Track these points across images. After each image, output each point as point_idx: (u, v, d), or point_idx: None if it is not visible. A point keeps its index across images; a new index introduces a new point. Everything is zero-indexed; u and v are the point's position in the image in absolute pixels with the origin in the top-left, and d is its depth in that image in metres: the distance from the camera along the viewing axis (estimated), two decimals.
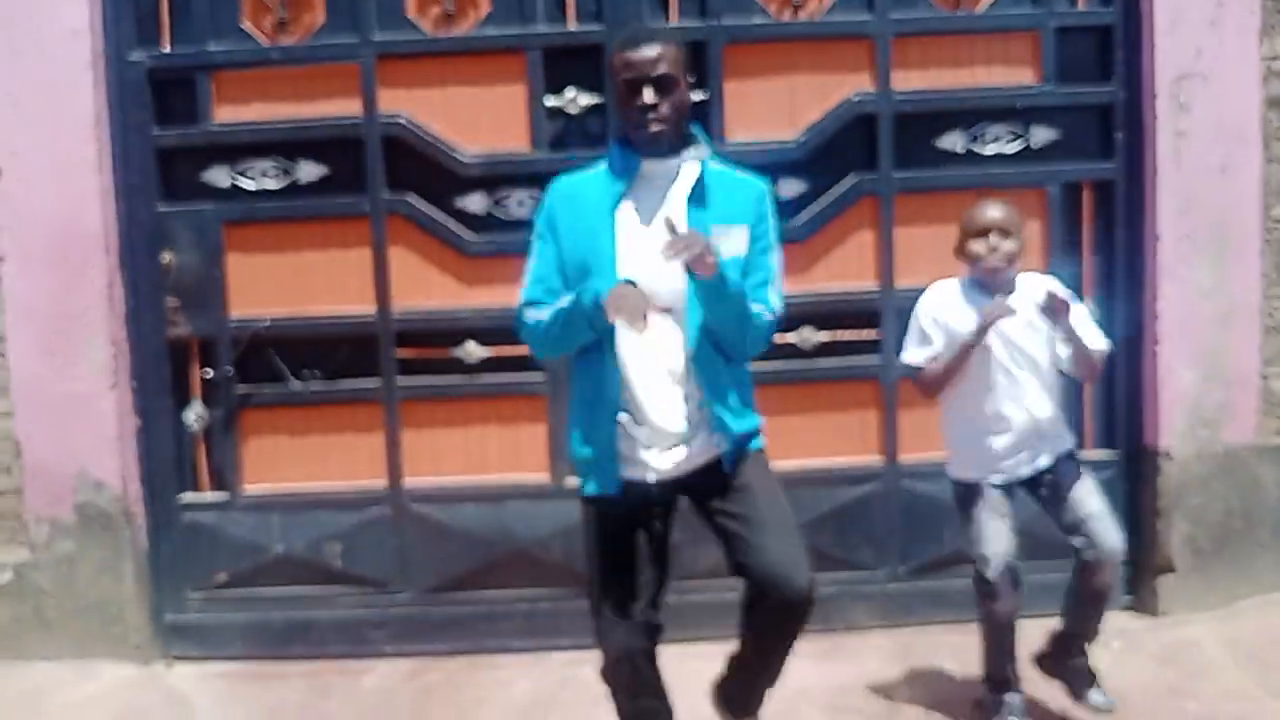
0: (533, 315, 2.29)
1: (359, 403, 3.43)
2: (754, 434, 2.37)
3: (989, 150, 3.39)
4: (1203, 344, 3.32)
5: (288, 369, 3.42)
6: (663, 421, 2.26)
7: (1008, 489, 2.72)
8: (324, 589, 3.45)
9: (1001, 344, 2.66)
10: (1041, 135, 3.39)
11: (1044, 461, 2.71)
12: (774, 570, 2.26)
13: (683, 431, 2.27)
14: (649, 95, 2.18)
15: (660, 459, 2.28)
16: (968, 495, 2.73)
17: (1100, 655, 3.11)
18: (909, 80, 3.36)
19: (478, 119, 3.34)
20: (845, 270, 3.43)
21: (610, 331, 2.20)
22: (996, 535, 2.69)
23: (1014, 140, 3.39)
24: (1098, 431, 3.48)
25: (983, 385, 2.68)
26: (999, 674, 2.78)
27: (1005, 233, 2.66)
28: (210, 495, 3.47)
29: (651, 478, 2.28)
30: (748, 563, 2.28)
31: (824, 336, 3.42)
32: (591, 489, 2.32)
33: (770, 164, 3.32)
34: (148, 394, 3.39)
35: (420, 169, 3.35)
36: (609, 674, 2.37)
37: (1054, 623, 2.83)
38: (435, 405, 3.44)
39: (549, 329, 2.25)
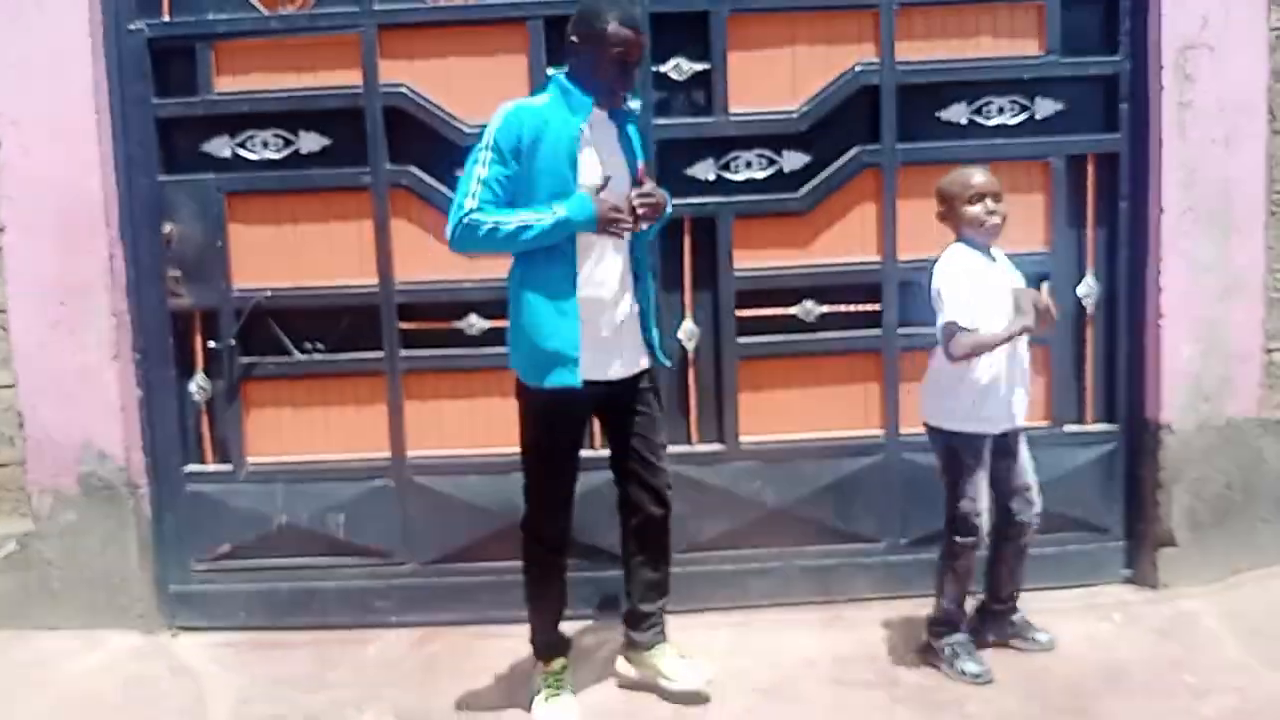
0: (486, 220, 2.56)
1: (362, 374, 3.43)
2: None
3: (992, 122, 3.37)
4: (1205, 318, 3.32)
5: (290, 341, 3.42)
6: (613, 329, 2.70)
7: (995, 440, 2.92)
8: (328, 559, 3.47)
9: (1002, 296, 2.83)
10: (1046, 107, 3.37)
11: (1019, 421, 2.91)
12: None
13: (627, 338, 2.75)
14: (631, 76, 2.64)
15: (612, 361, 2.72)
16: (966, 448, 2.88)
17: (1101, 628, 3.16)
18: (913, 51, 3.34)
19: (479, 89, 3.32)
20: (847, 243, 3.42)
21: (573, 239, 2.61)
22: (984, 489, 2.89)
23: (1018, 112, 3.37)
24: (1099, 405, 3.49)
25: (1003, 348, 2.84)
26: (956, 616, 2.95)
27: (998, 196, 2.85)
28: (214, 466, 3.48)
29: (603, 376, 2.70)
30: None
31: (825, 309, 3.42)
32: (555, 381, 2.62)
33: (772, 135, 3.34)
34: (151, 365, 3.40)
35: (422, 140, 3.33)
36: (537, 556, 2.81)
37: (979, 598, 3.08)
38: (438, 377, 3.44)
39: (513, 234, 2.56)
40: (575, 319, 2.62)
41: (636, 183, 2.70)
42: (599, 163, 2.66)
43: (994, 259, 2.90)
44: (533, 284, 2.64)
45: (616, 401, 2.78)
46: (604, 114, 2.70)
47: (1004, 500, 2.97)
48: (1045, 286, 3.03)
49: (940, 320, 2.81)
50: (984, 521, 2.89)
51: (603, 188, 2.62)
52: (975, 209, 2.83)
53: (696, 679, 2.84)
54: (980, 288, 2.82)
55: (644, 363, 2.81)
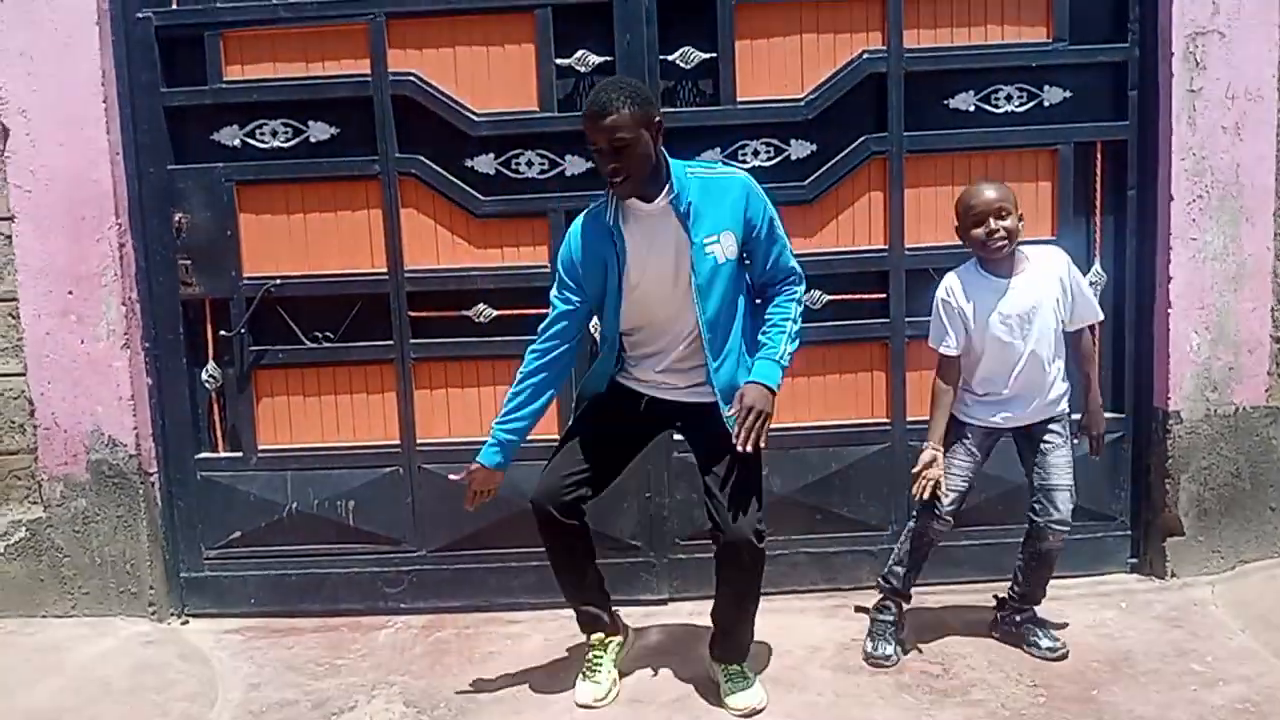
0: (532, 352, 2.76)
1: (371, 363, 3.45)
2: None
3: (1000, 110, 3.36)
4: (1213, 307, 3.31)
5: (300, 329, 3.44)
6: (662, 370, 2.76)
7: (986, 433, 2.94)
8: (338, 546, 3.49)
9: (1004, 319, 2.83)
10: (1054, 94, 3.36)
11: (1032, 419, 2.90)
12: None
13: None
14: (610, 162, 2.53)
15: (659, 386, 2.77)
16: (954, 429, 2.93)
17: (1107, 616, 3.16)
18: (920, 39, 3.33)
19: (488, 79, 3.32)
20: (854, 231, 3.42)
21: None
22: (961, 473, 2.92)
23: (1026, 100, 3.36)
24: (1107, 394, 3.47)
25: (987, 351, 2.86)
26: (893, 578, 3.02)
27: (1002, 212, 2.78)
28: (225, 454, 3.50)
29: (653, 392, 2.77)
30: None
31: (832, 298, 3.42)
32: (588, 389, 2.83)
33: (779, 124, 3.34)
34: (161, 353, 3.42)
35: (430, 129, 3.34)
36: (539, 527, 2.79)
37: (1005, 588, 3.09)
38: (447, 366, 3.45)
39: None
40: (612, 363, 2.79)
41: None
42: (641, 259, 2.63)
43: (1007, 278, 2.84)
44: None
45: (682, 421, 2.84)
46: (652, 206, 2.61)
47: (1029, 498, 2.95)
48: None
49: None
50: (948, 508, 2.90)
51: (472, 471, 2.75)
52: (977, 232, 2.80)
53: (742, 703, 2.75)
54: (975, 312, 2.84)
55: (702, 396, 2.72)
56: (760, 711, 2.73)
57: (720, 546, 2.67)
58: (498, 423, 2.76)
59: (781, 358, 2.65)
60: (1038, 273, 2.85)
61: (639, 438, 2.88)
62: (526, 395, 2.73)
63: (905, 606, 3.04)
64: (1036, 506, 2.92)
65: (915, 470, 2.87)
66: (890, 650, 2.95)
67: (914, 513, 2.99)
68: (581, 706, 2.78)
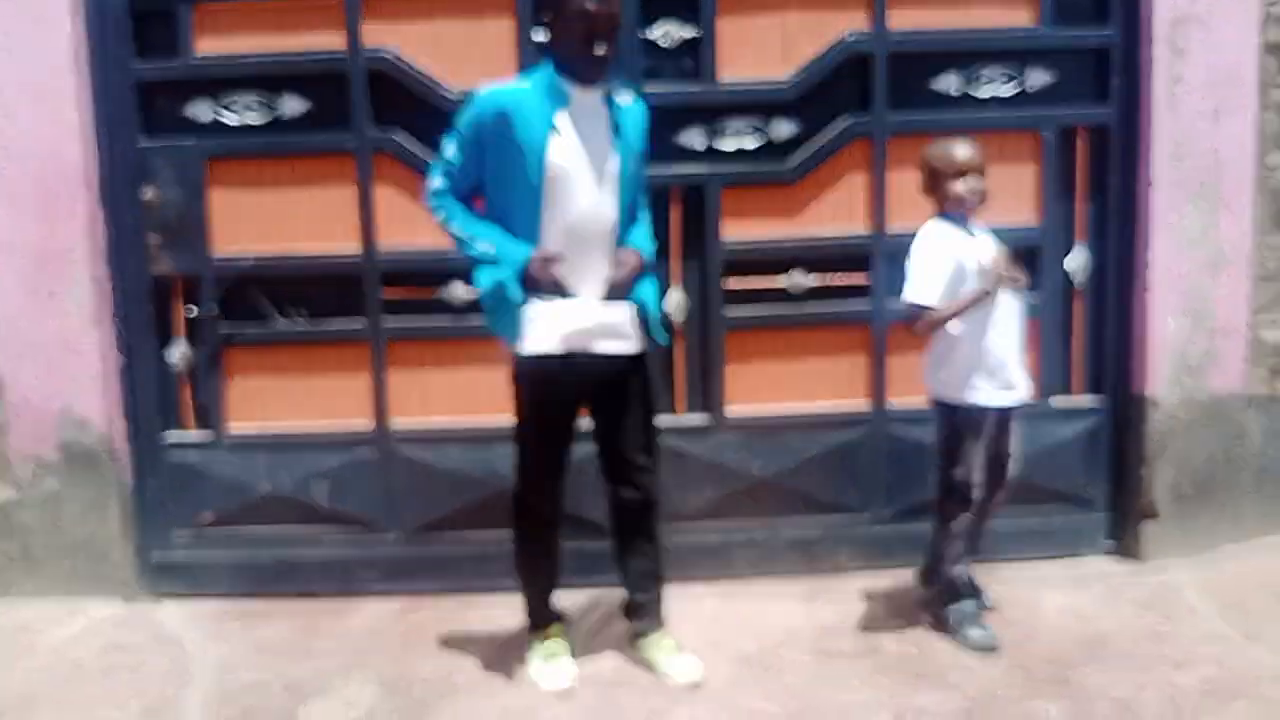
0: (443, 211, 2.67)
1: (345, 342, 3.40)
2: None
3: (984, 93, 3.35)
4: (1191, 292, 3.32)
5: (273, 307, 3.39)
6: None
7: (993, 420, 2.90)
8: (311, 528, 3.45)
9: (983, 270, 2.81)
10: (1037, 78, 3.35)
11: (1020, 396, 2.89)
12: None
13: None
14: (603, 44, 2.50)
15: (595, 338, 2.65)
16: (966, 420, 2.87)
17: (1083, 599, 3.18)
18: (905, 20, 3.31)
19: (465, 53, 3.28)
20: (836, 214, 3.40)
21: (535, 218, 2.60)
22: (980, 461, 2.89)
23: (1009, 83, 3.35)
24: (1085, 378, 3.49)
25: (990, 317, 2.82)
26: (961, 583, 2.97)
27: (981, 171, 2.82)
28: (196, 434, 3.46)
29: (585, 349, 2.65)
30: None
31: (814, 281, 3.40)
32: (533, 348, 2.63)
33: (762, 104, 3.31)
34: (131, 332, 3.36)
35: (406, 104, 3.29)
36: (524, 527, 2.82)
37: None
38: (422, 346, 3.42)
39: (458, 239, 2.66)
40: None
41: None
42: (577, 151, 2.57)
43: (973, 234, 2.88)
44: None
45: (602, 383, 2.73)
46: (594, 99, 2.61)
47: (989, 469, 2.96)
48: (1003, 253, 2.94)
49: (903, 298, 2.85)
50: (978, 493, 2.90)
51: (551, 260, 2.56)
52: (959, 186, 2.82)
53: (684, 677, 2.80)
54: (959, 263, 2.81)
55: (631, 347, 2.69)
56: (699, 683, 2.78)
57: (635, 508, 2.82)
58: (492, 240, 2.63)
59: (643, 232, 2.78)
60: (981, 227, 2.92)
61: (572, 421, 2.79)
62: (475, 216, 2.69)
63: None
64: (991, 475, 2.94)
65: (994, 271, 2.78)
66: (989, 633, 2.92)
67: (939, 524, 2.96)
68: (558, 693, 2.76)
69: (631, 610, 2.96)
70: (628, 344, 2.67)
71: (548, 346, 2.57)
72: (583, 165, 2.59)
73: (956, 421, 2.89)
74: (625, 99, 2.71)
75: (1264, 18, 3.26)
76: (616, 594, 3.26)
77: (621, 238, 2.71)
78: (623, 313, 2.65)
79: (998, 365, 2.84)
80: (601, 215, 2.64)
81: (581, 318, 2.60)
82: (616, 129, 2.63)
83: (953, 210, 2.86)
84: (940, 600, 3.01)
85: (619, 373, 2.71)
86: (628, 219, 2.72)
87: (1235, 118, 3.27)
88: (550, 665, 2.83)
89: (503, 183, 2.60)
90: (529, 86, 2.60)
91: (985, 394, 2.85)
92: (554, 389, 2.68)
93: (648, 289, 2.74)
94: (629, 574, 2.92)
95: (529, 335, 2.58)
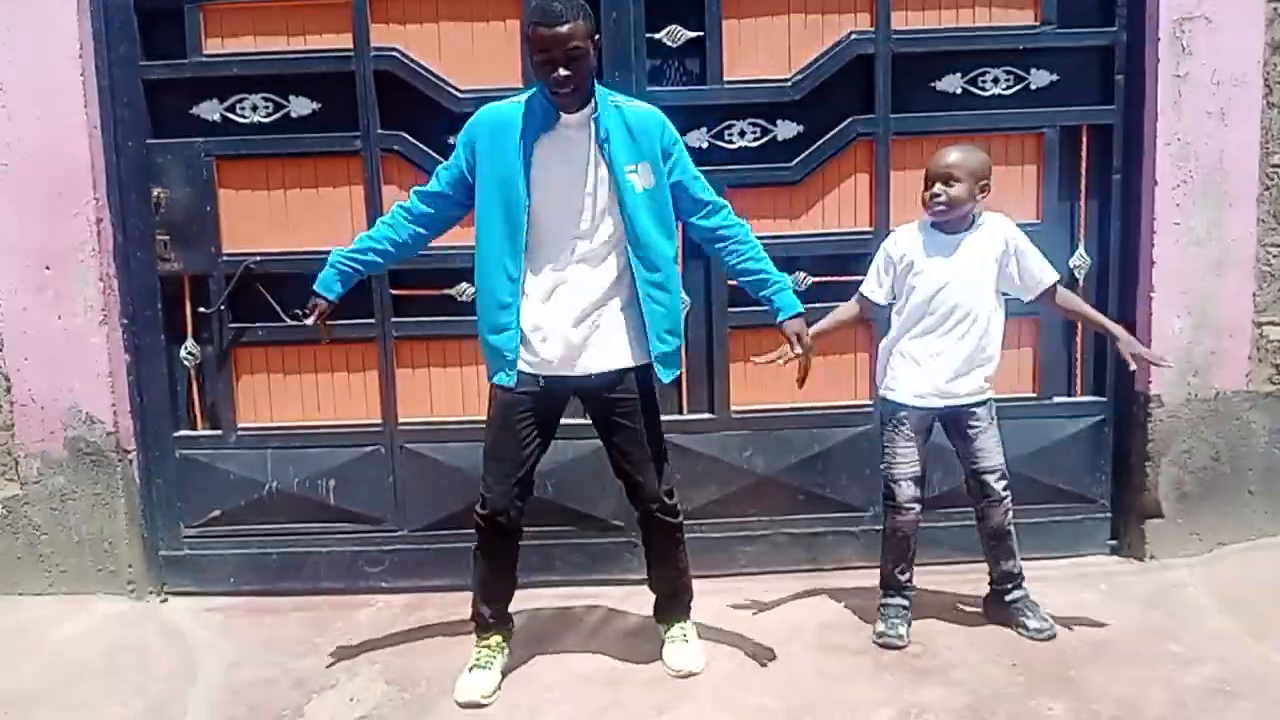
0: (403, 206, 2.77)
1: (353, 341, 3.42)
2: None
3: (987, 92, 3.35)
4: (1195, 291, 3.32)
5: (280, 306, 3.40)
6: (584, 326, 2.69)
7: (928, 415, 2.95)
8: (319, 525, 3.46)
9: (941, 286, 2.86)
10: (1040, 78, 3.36)
11: (958, 401, 2.91)
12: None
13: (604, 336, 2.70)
14: (562, 71, 2.47)
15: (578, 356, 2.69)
16: (889, 415, 2.97)
17: (1086, 598, 3.18)
18: (908, 20, 3.32)
19: (471, 54, 3.29)
20: (839, 214, 3.41)
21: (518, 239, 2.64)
22: (906, 456, 2.94)
23: (1013, 83, 3.36)
24: (1088, 377, 3.50)
25: (923, 318, 2.90)
26: (889, 578, 3.03)
27: (950, 179, 2.83)
28: (204, 431, 3.47)
29: (569, 372, 2.69)
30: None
31: (817, 280, 3.41)
32: (498, 380, 2.72)
33: (766, 104, 3.32)
34: (139, 330, 3.38)
35: (413, 104, 3.30)
36: (481, 531, 2.82)
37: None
38: (429, 344, 3.43)
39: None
40: (516, 316, 2.65)
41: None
42: (557, 172, 2.59)
43: (953, 235, 2.89)
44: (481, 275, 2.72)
45: (594, 400, 2.76)
46: (581, 118, 2.59)
47: (968, 481, 3.02)
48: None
49: None
50: (905, 490, 2.94)
51: (316, 311, 2.78)
52: (924, 191, 2.88)
53: (680, 666, 2.84)
54: (915, 263, 2.88)
55: (622, 361, 2.70)
56: (696, 674, 2.80)
57: (646, 518, 2.82)
58: (348, 253, 2.79)
59: (787, 283, 2.77)
60: (985, 235, 2.91)
61: (543, 438, 2.79)
62: (382, 245, 2.78)
63: (912, 593, 3.05)
64: (973, 487, 2.99)
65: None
66: (903, 631, 2.95)
67: (886, 525, 3.02)
68: (465, 705, 2.73)
69: (657, 610, 3.00)
70: (615, 358, 2.68)
71: (508, 381, 2.67)
72: (562, 186, 2.60)
73: (882, 415, 2.99)
74: (624, 110, 2.65)
75: (1269, 16, 3.25)
76: (618, 592, 3.28)
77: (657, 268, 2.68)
78: (610, 328, 2.67)
79: (930, 371, 2.89)
80: (587, 235, 2.63)
81: (553, 347, 2.65)
82: (602, 147, 2.59)
83: (928, 214, 2.91)
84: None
85: (610, 384, 2.71)
86: (655, 229, 2.66)
87: (1240, 117, 3.26)
88: (470, 675, 2.80)
89: (486, 199, 2.64)
90: (525, 105, 2.63)
91: (902, 393, 2.92)
92: (521, 413, 2.70)
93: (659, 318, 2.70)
94: (653, 579, 2.97)
95: (493, 369, 2.70)
